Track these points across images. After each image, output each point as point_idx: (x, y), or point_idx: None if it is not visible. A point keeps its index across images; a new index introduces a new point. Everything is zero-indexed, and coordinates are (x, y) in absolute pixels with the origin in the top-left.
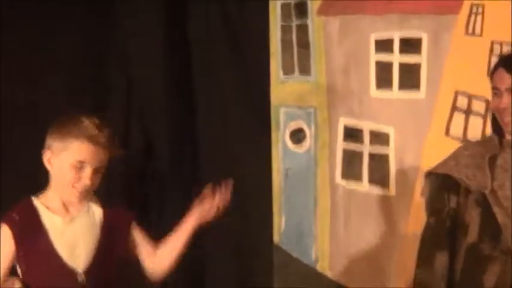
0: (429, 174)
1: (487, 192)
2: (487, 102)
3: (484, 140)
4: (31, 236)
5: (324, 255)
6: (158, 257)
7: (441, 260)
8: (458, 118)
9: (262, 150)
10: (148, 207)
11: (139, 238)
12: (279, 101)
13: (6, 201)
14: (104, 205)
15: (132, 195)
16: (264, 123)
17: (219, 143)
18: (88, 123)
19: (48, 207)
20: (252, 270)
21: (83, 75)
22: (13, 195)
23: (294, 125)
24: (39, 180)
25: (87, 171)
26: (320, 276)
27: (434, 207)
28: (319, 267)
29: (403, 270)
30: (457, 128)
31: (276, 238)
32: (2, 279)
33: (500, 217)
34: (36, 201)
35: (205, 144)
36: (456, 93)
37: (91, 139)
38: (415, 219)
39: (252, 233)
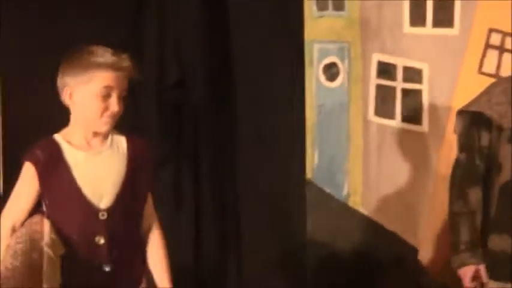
0: (461, 112)
1: None
2: None
3: None
4: (54, 173)
5: (356, 190)
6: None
7: (473, 195)
8: (492, 55)
9: (296, 86)
10: (182, 140)
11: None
12: (312, 36)
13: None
14: (127, 135)
15: (165, 127)
16: (298, 59)
17: (253, 78)
18: (103, 52)
19: (71, 143)
20: (285, 206)
21: (115, 6)
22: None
23: (327, 61)
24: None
25: (114, 98)
26: (352, 212)
27: (465, 143)
28: (351, 203)
29: (435, 206)
30: (490, 65)
31: (309, 174)
32: (24, 216)
33: None
34: (59, 137)
35: (240, 79)
36: (490, 30)
37: (113, 66)
38: (447, 156)
39: (285, 169)
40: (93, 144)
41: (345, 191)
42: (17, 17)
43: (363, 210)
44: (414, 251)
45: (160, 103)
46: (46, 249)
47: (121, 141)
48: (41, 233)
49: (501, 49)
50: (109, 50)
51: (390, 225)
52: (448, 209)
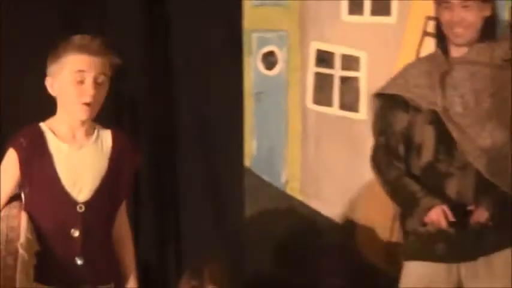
0: (378, 95)
1: (438, 109)
2: None
3: (430, 57)
4: (36, 161)
5: (294, 178)
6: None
7: (396, 174)
8: (428, 42)
9: (234, 75)
10: (121, 129)
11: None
12: (251, 25)
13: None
14: (113, 130)
15: (104, 117)
16: (237, 48)
17: (192, 67)
18: (78, 37)
19: (56, 133)
20: (224, 194)
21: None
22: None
23: (266, 49)
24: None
25: (89, 81)
26: (290, 199)
27: (383, 126)
28: (289, 190)
29: (372, 193)
30: (426, 52)
31: (247, 162)
32: (2, 202)
33: (455, 133)
34: (44, 127)
35: (179, 69)
36: (427, 18)
37: (84, 48)
38: None
39: (223, 157)
40: (78, 136)
41: (283, 179)
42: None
43: (300, 197)
44: (351, 235)
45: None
46: (21, 251)
47: (107, 136)
48: (18, 230)
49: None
50: (86, 36)
51: (327, 211)
52: (383, 185)
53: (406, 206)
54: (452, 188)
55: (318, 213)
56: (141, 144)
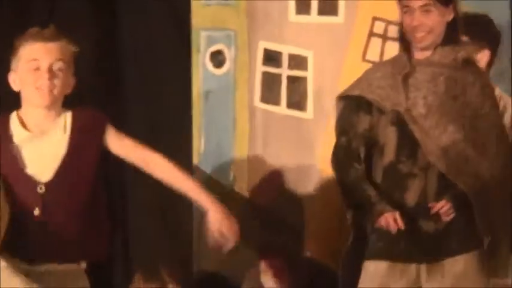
0: (341, 97)
1: (401, 111)
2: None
3: (393, 60)
4: (1, 148)
5: (242, 176)
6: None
7: (355, 176)
8: (375, 43)
9: (183, 73)
10: None
11: (120, 142)
12: (200, 24)
13: None
14: (74, 109)
15: None
16: (185, 46)
17: (141, 66)
18: (32, 28)
19: (23, 122)
20: (172, 192)
21: None
22: None
23: (214, 48)
24: None
25: (43, 68)
26: (238, 197)
27: (345, 127)
28: (237, 188)
29: (320, 191)
30: (374, 52)
31: (195, 159)
32: None
33: (417, 134)
34: (14, 116)
35: (128, 67)
36: (373, 19)
37: (37, 36)
38: (331, 142)
39: (172, 155)
40: (42, 123)
41: (231, 177)
42: None
43: (248, 195)
44: (298, 233)
45: None
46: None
47: (67, 117)
48: None
49: (384, 37)
50: (39, 27)
51: (275, 209)
52: (341, 184)
53: (361, 208)
54: (415, 188)
55: (265, 211)
56: None
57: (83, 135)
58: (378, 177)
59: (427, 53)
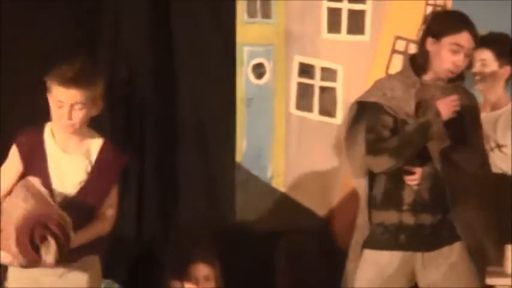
0: (358, 103)
1: (410, 120)
2: None
3: (401, 76)
4: (33, 157)
5: (278, 173)
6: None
7: (394, 139)
8: (397, 59)
9: (228, 83)
10: (130, 129)
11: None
12: (243, 40)
13: None
14: (105, 140)
15: (115, 119)
16: (230, 59)
17: (192, 76)
18: (61, 69)
19: (54, 135)
20: (217, 185)
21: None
22: None
23: (255, 61)
24: None
25: (65, 110)
26: (275, 192)
27: (372, 124)
28: (274, 184)
29: (346, 187)
30: (395, 67)
31: (238, 158)
32: (5, 192)
33: None
34: (47, 128)
35: (181, 77)
36: (395, 38)
37: (63, 81)
38: None
39: (218, 153)
40: (70, 142)
41: (269, 174)
42: None
43: (284, 190)
44: (326, 223)
45: (112, 97)
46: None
47: (96, 144)
48: (33, 185)
49: (405, 54)
50: (73, 64)
51: (307, 202)
52: (392, 155)
53: (423, 132)
54: (413, 188)
55: (298, 205)
56: (148, 142)
57: (103, 167)
58: (383, 178)
59: (433, 76)
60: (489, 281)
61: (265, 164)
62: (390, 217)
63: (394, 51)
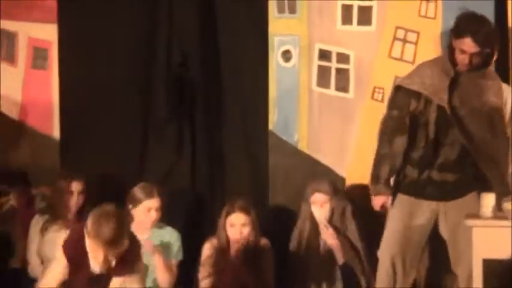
0: (398, 88)
1: (444, 104)
2: (418, 34)
3: (440, 62)
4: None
5: (303, 138)
6: None
7: (399, 142)
8: (398, 45)
9: (263, 66)
10: (183, 104)
11: None
12: (274, 31)
13: None
14: None
15: (172, 96)
16: (264, 47)
17: (234, 61)
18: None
19: None
20: (254, 150)
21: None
22: None
23: (284, 48)
24: None
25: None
26: (300, 153)
27: (398, 104)
28: (299, 147)
29: (360, 148)
30: (396, 52)
31: (270, 126)
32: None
33: (453, 120)
34: None
35: (225, 61)
36: (396, 27)
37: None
38: (368, 114)
39: (254, 123)
40: None
41: (295, 138)
42: None
43: (308, 151)
44: (342, 179)
45: (169, 78)
46: None
47: None
48: None
49: (404, 41)
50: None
51: (326, 161)
52: (376, 150)
53: (372, 177)
54: (443, 154)
55: (319, 163)
56: (198, 115)
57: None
58: (420, 145)
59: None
60: (467, 222)
61: (292, 131)
62: (424, 174)
63: (395, 38)
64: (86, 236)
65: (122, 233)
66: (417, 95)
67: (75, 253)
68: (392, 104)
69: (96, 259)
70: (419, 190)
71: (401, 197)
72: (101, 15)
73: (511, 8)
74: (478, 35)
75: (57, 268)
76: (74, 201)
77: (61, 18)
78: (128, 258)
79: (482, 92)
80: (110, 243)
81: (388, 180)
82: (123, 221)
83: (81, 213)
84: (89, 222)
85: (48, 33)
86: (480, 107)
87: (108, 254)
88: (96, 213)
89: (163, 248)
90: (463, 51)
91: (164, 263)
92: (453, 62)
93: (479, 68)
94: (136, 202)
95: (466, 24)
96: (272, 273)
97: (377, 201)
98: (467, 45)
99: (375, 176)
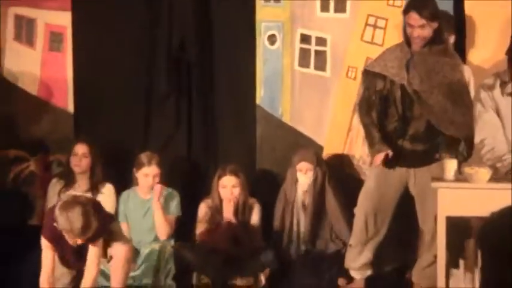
0: (365, 70)
1: (405, 83)
2: (386, 20)
3: (400, 47)
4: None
5: (286, 111)
6: None
7: (374, 116)
8: (369, 30)
9: (251, 48)
10: (181, 80)
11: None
12: (261, 18)
13: None
14: None
15: (172, 73)
16: (252, 31)
17: (226, 43)
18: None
19: None
20: (244, 121)
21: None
22: None
23: (269, 33)
24: None
25: None
26: (283, 124)
27: (368, 86)
28: (283, 119)
29: (336, 120)
30: (368, 36)
31: (258, 100)
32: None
33: (414, 96)
34: None
35: (217, 44)
36: (368, 15)
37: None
38: (343, 90)
39: (244, 96)
40: None
41: (279, 112)
42: None
43: (290, 123)
44: (321, 148)
45: (169, 59)
46: None
47: None
48: None
49: (374, 26)
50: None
51: (307, 132)
52: (361, 124)
53: (368, 143)
54: (413, 127)
55: (300, 133)
56: (194, 90)
57: None
58: (393, 119)
59: (421, 46)
60: (433, 184)
61: (277, 105)
62: (397, 143)
63: (367, 24)
64: (55, 219)
65: (88, 219)
66: (382, 76)
67: (54, 234)
68: (362, 85)
69: (70, 240)
70: (392, 158)
71: (372, 170)
72: (109, 4)
73: None
74: (421, 9)
75: (47, 255)
76: (77, 161)
77: (74, 6)
78: (99, 231)
79: (441, 67)
80: (77, 231)
81: (381, 139)
82: (86, 208)
83: (92, 176)
84: (56, 214)
85: (63, 19)
86: (439, 82)
87: (78, 238)
88: (61, 205)
89: (164, 204)
90: (410, 25)
91: (164, 217)
92: (408, 43)
93: (433, 45)
94: (138, 167)
95: (410, 1)
96: (260, 227)
97: (378, 158)
98: (413, 18)
99: (370, 140)
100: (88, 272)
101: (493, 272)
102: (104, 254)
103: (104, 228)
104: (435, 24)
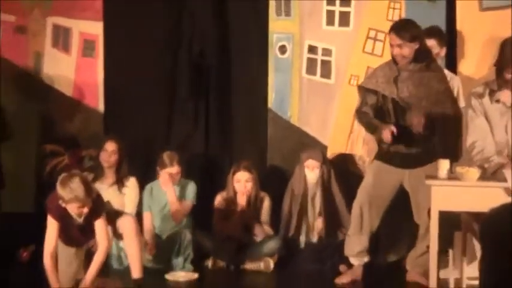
0: (360, 86)
1: (395, 96)
2: (385, 34)
3: (388, 65)
4: None
5: (294, 114)
6: None
7: (367, 119)
8: (370, 42)
9: (263, 58)
10: (201, 85)
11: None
12: (273, 30)
13: None
14: None
15: (192, 79)
16: (265, 42)
17: (241, 52)
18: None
19: None
20: (256, 122)
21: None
22: None
23: (280, 44)
24: None
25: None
26: (292, 126)
27: (363, 99)
28: (291, 121)
29: (339, 122)
30: (368, 48)
31: (269, 104)
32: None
33: (405, 106)
34: None
35: (234, 54)
36: (369, 29)
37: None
38: (345, 96)
39: (257, 101)
40: None
41: (288, 114)
42: None
43: (298, 125)
44: (325, 147)
45: (190, 66)
46: None
47: None
48: None
49: (375, 39)
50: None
51: (312, 133)
52: (362, 124)
53: (373, 131)
54: (408, 133)
55: (307, 134)
56: (212, 94)
57: None
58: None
59: (406, 62)
60: (427, 182)
61: (286, 109)
62: (393, 148)
63: (367, 37)
64: (59, 197)
65: (88, 185)
66: (375, 91)
67: (59, 211)
68: (359, 99)
69: (73, 213)
70: (389, 159)
71: (375, 162)
72: (138, 15)
73: (459, 13)
74: (400, 31)
75: (52, 229)
76: (107, 157)
77: (106, 17)
78: (97, 205)
79: (427, 80)
80: (82, 196)
81: (380, 121)
82: (83, 177)
83: (119, 170)
84: (59, 189)
85: (95, 28)
86: (427, 93)
87: (80, 206)
88: (61, 180)
89: (181, 191)
90: (391, 45)
91: (179, 201)
92: (395, 61)
93: (417, 63)
94: (162, 166)
95: (393, 24)
96: (269, 217)
97: (386, 135)
98: (392, 38)
99: (373, 128)
100: (101, 245)
101: (493, 263)
102: (114, 235)
103: (101, 198)
104: (415, 45)
